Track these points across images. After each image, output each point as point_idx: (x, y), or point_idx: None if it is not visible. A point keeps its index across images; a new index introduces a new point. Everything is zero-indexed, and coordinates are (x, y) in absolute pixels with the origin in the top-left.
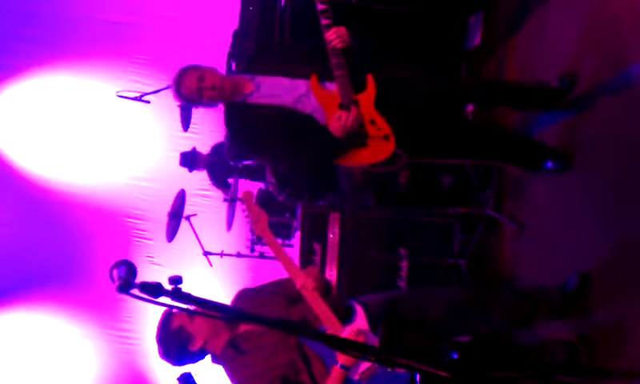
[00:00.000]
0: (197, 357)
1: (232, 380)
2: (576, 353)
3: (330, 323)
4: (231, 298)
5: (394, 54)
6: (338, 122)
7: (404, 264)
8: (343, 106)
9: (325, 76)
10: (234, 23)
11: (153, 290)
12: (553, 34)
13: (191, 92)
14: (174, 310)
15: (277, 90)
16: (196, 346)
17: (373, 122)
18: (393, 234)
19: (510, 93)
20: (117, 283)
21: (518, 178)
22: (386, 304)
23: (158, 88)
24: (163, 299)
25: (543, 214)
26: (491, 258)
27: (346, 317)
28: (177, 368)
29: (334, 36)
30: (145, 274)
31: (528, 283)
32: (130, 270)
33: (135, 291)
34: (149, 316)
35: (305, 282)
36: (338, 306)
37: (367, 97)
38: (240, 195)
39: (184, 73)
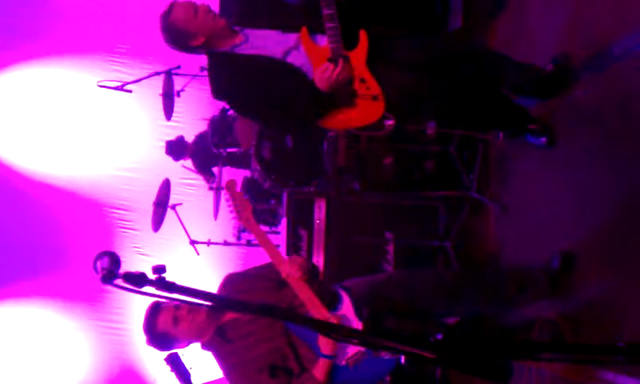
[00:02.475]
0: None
1: (220, 367)
2: (561, 331)
3: (316, 310)
4: (218, 285)
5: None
6: (323, 74)
7: (390, 247)
8: (332, 60)
9: (316, 29)
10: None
11: (136, 280)
12: (534, 16)
13: (186, 23)
14: (161, 305)
15: (266, 41)
16: (181, 346)
17: (362, 80)
18: (378, 218)
19: (503, 66)
20: (100, 274)
21: (502, 159)
22: (371, 289)
23: (140, 77)
24: (147, 289)
25: (526, 195)
26: (476, 239)
27: (332, 303)
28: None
29: None
30: (132, 265)
31: (514, 264)
32: (114, 260)
33: (119, 281)
34: (136, 306)
35: (290, 271)
36: (324, 293)
37: (358, 53)
38: (223, 184)
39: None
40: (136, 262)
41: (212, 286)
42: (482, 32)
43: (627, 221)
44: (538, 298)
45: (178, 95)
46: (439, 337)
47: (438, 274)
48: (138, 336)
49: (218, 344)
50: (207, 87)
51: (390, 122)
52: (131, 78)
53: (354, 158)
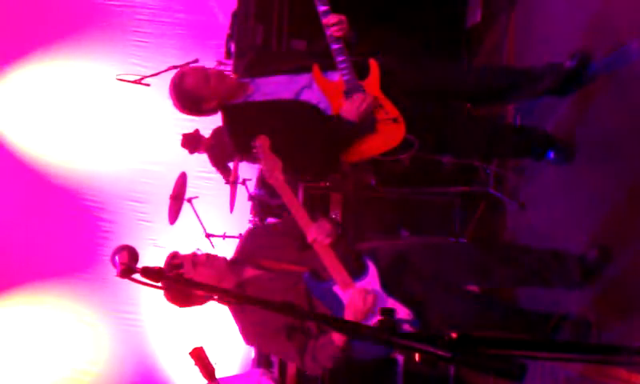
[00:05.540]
0: (202, 303)
1: (237, 323)
2: (582, 329)
3: (340, 278)
4: (241, 237)
5: (394, 35)
6: (353, 104)
7: None
8: (348, 93)
9: (327, 66)
10: (232, 3)
11: (154, 275)
12: (552, 11)
13: (198, 91)
14: (179, 254)
15: (276, 87)
16: (198, 293)
17: (380, 106)
18: (394, 214)
19: (520, 78)
20: (119, 268)
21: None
22: (399, 257)
23: (158, 71)
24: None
25: (544, 192)
26: (492, 236)
27: (358, 272)
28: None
29: (334, 21)
30: (148, 257)
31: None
32: (132, 254)
33: (137, 276)
34: (151, 297)
35: (317, 237)
36: (349, 260)
37: (372, 81)
38: (255, 142)
39: (187, 73)
40: (152, 254)
41: None
42: (500, 27)
43: None
44: (566, 287)
45: None
46: (453, 335)
47: (468, 248)
48: (151, 327)
49: None
50: None
51: (414, 145)
52: (149, 72)
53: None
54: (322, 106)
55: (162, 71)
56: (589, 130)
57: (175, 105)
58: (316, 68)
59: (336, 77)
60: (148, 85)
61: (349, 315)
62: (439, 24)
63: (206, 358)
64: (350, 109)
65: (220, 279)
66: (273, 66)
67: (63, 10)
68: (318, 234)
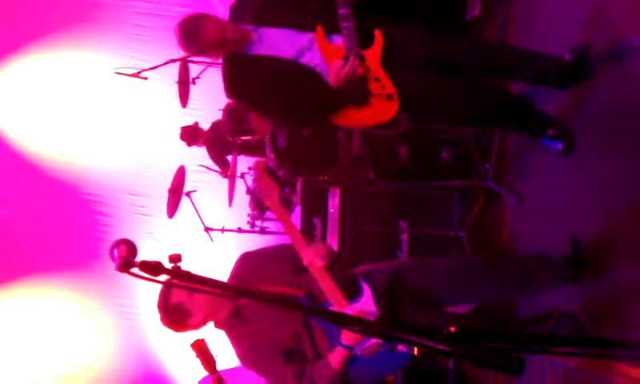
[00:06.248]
0: (198, 328)
1: (234, 348)
2: (581, 324)
3: (335, 300)
4: (234, 264)
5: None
6: (332, 70)
7: (404, 237)
8: (345, 59)
9: (332, 29)
10: None
11: (153, 269)
12: (551, 5)
13: (215, 40)
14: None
15: (279, 41)
16: (195, 320)
17: (377, 80)
18: (392, 208)
19: (521, 60)
20: (117, 262)
21: (518, 149)
22: (392, 277)
23: (156, 64)
24: (163, 277)
25: (543, 186)
26: (491, 229)
27: (353, 294)
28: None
29: None
30: (146, 251)
31: (531, 250)
32: (131, 248)
33: (135, 270)
34: (149, 291)
35: (313, 260)
36: (344, 282)
37: (373, 52)
38: (252, 165)
39: (204, 19)
40: (150, 248)
41: (226, 273)
42: (499, 21)
43: None
44: (559, 287)
45: (194, 82)
46: (452, 329)
47: (460, 260)
48: (149, 320)
49: (233, 324)
50: None
51: (405, 121)
52: (148, 65)
53: (369, 147)
54: (319, 69)
55: (160, 64)
56: (588, 123)
57: (179, 45)
58: (319, 29)
59: (339, 41)
60: (146, 78)
61: (345, 336)
62: (438, 17)
63: (208, 349)
64: (329, 74)
65: (215, 305)
66: (280, 18)
67: (61, 3)
68: (313, 256)
